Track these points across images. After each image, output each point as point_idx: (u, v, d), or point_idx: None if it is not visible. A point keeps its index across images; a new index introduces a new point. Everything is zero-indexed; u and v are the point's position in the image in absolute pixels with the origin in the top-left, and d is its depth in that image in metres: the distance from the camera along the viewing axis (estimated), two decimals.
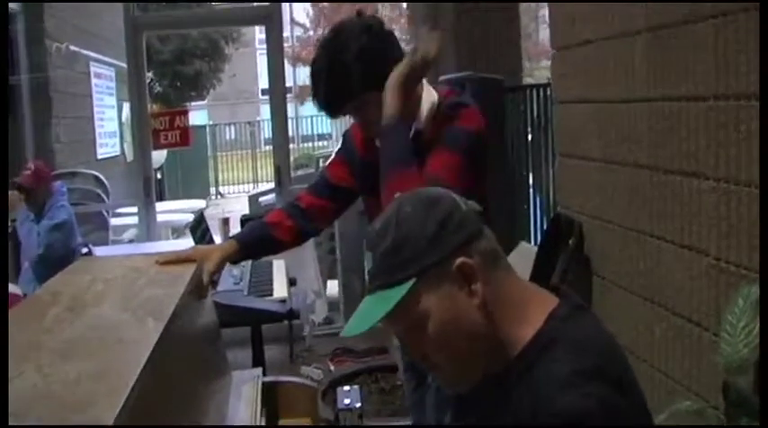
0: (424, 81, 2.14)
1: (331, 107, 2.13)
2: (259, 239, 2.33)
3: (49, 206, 4.87)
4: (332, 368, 4.48)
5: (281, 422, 2.09)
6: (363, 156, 2.31)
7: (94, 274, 2.01)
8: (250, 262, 3.75)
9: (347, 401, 3.49)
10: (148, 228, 6.30)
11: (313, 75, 2.12)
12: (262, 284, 3.50)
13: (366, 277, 4.84)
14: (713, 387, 2.13)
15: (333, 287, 5.48)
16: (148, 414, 1.22)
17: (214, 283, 3.21)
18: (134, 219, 7.06)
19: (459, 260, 1.29)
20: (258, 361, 2.92)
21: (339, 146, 2.50)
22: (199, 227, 3.98)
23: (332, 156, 2.53)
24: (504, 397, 1.31)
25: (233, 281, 3.39)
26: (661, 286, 2.41)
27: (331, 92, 2.09)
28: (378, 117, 2.04)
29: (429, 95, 2.15)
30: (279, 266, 3.85)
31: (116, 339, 1.46)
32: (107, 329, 1.53)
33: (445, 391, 2.28)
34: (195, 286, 1.96)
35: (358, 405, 3.48)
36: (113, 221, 7.82)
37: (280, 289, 3.48)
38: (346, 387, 3.61)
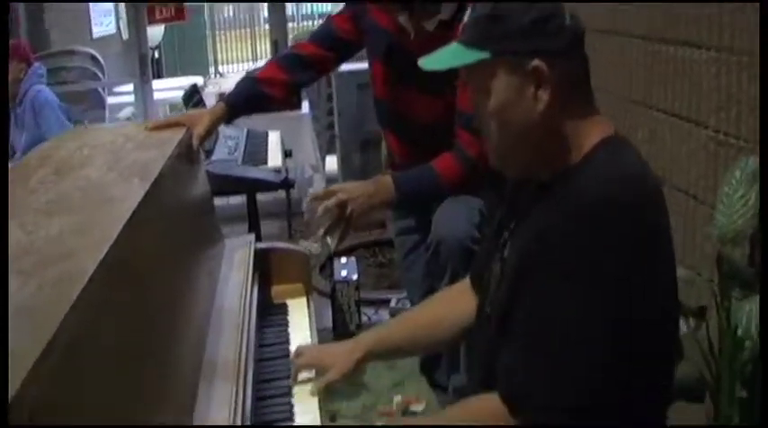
0: None
1: None
2: (249, 97, 2.34)
3: (24, 91, 4.66)
4: (329, 242, 4.49)
5: (274, 288, 2.10)
6: (381, 23, 2.33)
7: (83, 141, 1.99)
8: (245, 131, 3.73)
9: (344, 273, 3.53)
10: (145, 106, 6.23)
11: None
12: (257, 154, 3.47)
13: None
14: (707, 260, 2.14)
15: (331, 163, 5.44)
16: (131, 268, 1.21)
17: (207, 153, 3.21)
18: (131, 98, 6.98)
19: (537, 62, 1.30)
20: (253, 230, 2.93)
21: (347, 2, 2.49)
22: (192, 99, 3.92)
23: (340, 10, 2.50)
24: (529, 209, 1.37)
25: (227, 151, 3.37)
26: (658, 159, 2.38)
27: None
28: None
29: None
30: (274, 137, 3.81)
31: (100, 198, 1.45)
32: (92, 189, 1.51)
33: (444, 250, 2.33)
34: (185, 150, 1.93)
35: (355, 277, 3.53)
36: (110, 100, 7.74)
37: (275, 158, 3.46)
38: (343, 260, 3.65)
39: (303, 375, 1.65)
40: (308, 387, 1.61)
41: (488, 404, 1.31)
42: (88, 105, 7.04)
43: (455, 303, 1.64)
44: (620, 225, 1.26)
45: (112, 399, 0.95)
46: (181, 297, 1.49)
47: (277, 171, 3.27)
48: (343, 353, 1.65)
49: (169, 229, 1.57)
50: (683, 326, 2.01)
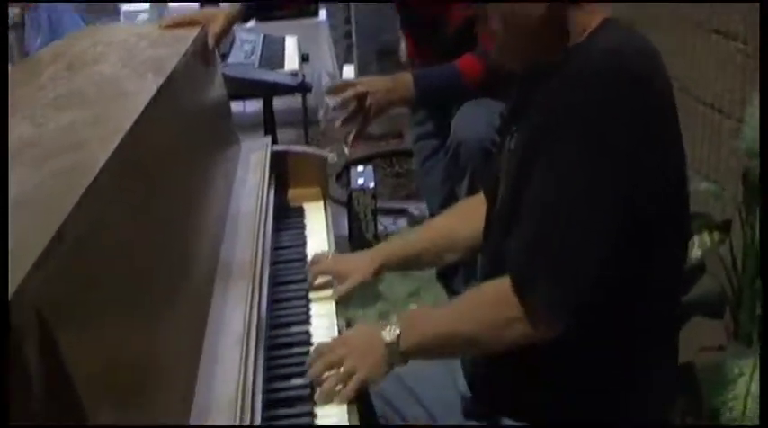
0: None
1: None
2: None
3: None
4: (347, 151, 4.45)
5: (291, 191, 2.06)
6: None
7: (97, 39, 1.93)
8: (261, 36, 3.66)
9: (361, 181, 3.49)
10: (159, 14, 6.10)
11: None
12: (273, 58, 3.40)
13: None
14: (732, 175, 2.10)
15: (348, 72, 5.35)
16: (145, 162, 1.17)
17: (223, 56, 3.14)
18: (146, 5, 6.85)
19: None
20: (270, 134, 2.88)
21: None
22: None
23: None
24: (534, 95, 1.33)
25: (243, 55, 3.30)
26: (684, 70, 2.30)
27: None
28: None
29: None
30: (291, 42, 3.74)
31: (114, 92, 1.40)
32: (105, 84, 1.47)
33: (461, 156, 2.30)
34: (200, 48, 1.88)
35: (371, 185, 3.50)
36: (124, 7, 7.60)
37: (291, 63, 3.39)
38: (360, 168, 3.61)
39: (320, 280, 1.64)
40: (325, 292, 1.60)
41: (497, 286, 1.30)
42: (102, 15, 6.93)
43: (473, 214, 1.60)
44: (630, 96, 1.21)
45: (123, 296, 0.92)
46: (195, 195, 1.46)
47: (294, 74, 3.20)
48: (361, 263, 1.64)
49: (184, 126, 1.52)
50: (706, 240, 1.97)
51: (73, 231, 0.81)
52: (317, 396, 1.28)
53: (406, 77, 2.20)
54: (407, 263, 1.71)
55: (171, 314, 1.06)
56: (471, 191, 2.37)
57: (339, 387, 1.30)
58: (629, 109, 1.21)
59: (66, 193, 0.87)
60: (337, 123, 2.17)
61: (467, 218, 1.64)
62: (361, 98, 2.09)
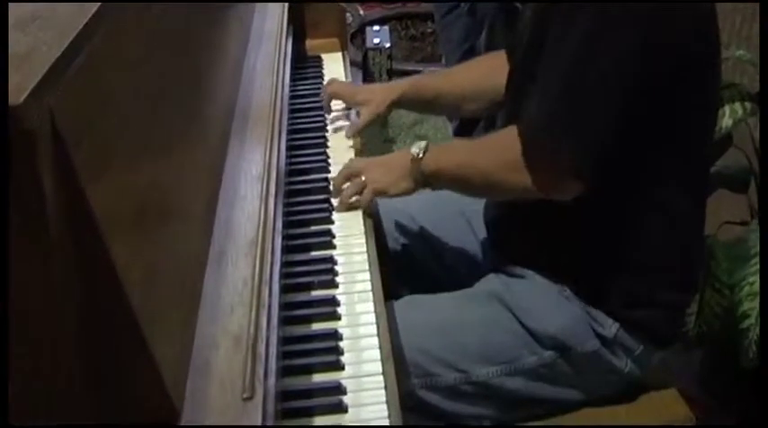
0: None
1: None
2: None
3: None
4: (362, 12, 4.31)
5: (309, 42, 1.98)
6: None
7: None
8: None
9: (377, 40, 3.39)
10: None
11: None
12: None
13: None
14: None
15: None
16: None
17: None
18: None
19: None
20: None
21: None
22: None
23: None
24: None
25: None
26: None
27: None
28: None
29: None
30: None
31: None
32: None
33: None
34: None
35: (387, 45, 3.39)
36: None
37: None
38: (376, 27, 3.50)
39: (337, 122, 1.64)
40: (342, 133, 1.60)
41: (512, 130, 1.29)
42: None
43: (495, 67, 1.54)
44: None
45: (139, 121, 0.86)
46: (210, 34, 1.37)
47: None
48: (378, 92, 1.62)
49: None
50: (738, 110, 1.90)
51: (87, 45, 0.74)
52: (335, 205, 1.36)
53: None
54: (424, 103, 1.67)
55: (187, 146, 1.00)
56: (489, 46, 2.31)
57: (355, 198, 1.36)
58: None
59: (79, 12, 0.79)
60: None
61: (489, 71, 1.59)
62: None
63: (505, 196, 1.38)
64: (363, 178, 1.36)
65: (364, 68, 3.31)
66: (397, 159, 1.38)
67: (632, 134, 1.21)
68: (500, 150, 1.32)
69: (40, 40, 0.72)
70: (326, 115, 1.65)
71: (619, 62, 1.17)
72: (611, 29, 1.17)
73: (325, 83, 1.76)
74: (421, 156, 1.34)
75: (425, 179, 1.35)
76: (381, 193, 1.37)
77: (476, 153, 1.38)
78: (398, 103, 1.61)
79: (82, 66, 0.71)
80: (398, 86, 1.63)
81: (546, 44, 1.24)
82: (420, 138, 3.18)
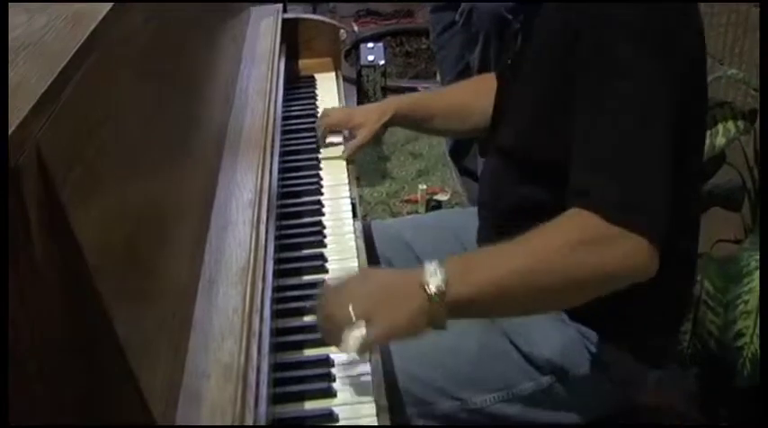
0: None
1: None
2: None
3: None
4: (356, 29, 4.32)
5: (302, 61, 1.98)
6: None
7: None
8: None
9: (371, 58, 3.39)
10: None
11: None
12: None
13: None
14: (752, 61, 2.04)
15: None
16: (151, 14, 1.09)
17: None
18: None
19: None
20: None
21: None
22: None
23: None
24: None
25: None
26: None
27: None
28: None
29: None
30: None
31: None
32: None
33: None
34: None
35: (382, 62, 3.40)
36: None
37: None
38: (370, 44, 3.50)
39: (330, 139, 1.62)
40: (336, 152, 1.59)
41: (571, 217, 1.11)
42: None
43: (488, 90, 1.52)
44: None
45: (128, 146, 0.86)
46: (201, 58, 1.37)
47: None
48: (372, 112, 1.61)
49: None
50: (731, 128, 1.91)
51: (77, 74, 0.74)
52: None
53: None
54: (417, 121, 1.65)
55: (177, 173, 1.00)
56: (483, 61, 2.31)
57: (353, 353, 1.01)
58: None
59: (70, 39, 0.79)
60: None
61: (481, 93, 1.56)
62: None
63: (576, 299, 1.16)
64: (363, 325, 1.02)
65: (358, 85, 3.32)
66: (403, 296, 1.05)
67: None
68: (556, 238, 1.09)
69: (28, 72, 0.72)
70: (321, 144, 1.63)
71: (665, 116, 1.12)
72: (650, 86, 1.11)
73: (318, 102, 1.76)
74: (441, 292, 1.02)
75: (452, 317, 1.05)
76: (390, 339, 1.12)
77: (517, 255, 1.09)
78: (392, 122, 1.60)
79: (69, 97, 0.71)
80: (393, 104, 1.62)
81: (576, 92, 1.15)
82: (414, 155, 3.19)
